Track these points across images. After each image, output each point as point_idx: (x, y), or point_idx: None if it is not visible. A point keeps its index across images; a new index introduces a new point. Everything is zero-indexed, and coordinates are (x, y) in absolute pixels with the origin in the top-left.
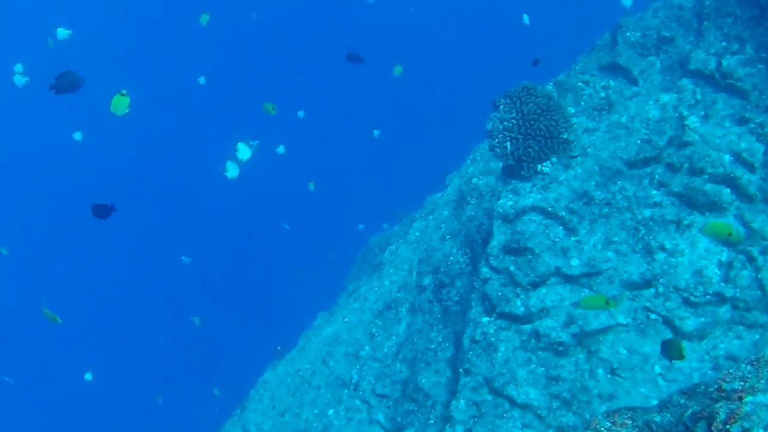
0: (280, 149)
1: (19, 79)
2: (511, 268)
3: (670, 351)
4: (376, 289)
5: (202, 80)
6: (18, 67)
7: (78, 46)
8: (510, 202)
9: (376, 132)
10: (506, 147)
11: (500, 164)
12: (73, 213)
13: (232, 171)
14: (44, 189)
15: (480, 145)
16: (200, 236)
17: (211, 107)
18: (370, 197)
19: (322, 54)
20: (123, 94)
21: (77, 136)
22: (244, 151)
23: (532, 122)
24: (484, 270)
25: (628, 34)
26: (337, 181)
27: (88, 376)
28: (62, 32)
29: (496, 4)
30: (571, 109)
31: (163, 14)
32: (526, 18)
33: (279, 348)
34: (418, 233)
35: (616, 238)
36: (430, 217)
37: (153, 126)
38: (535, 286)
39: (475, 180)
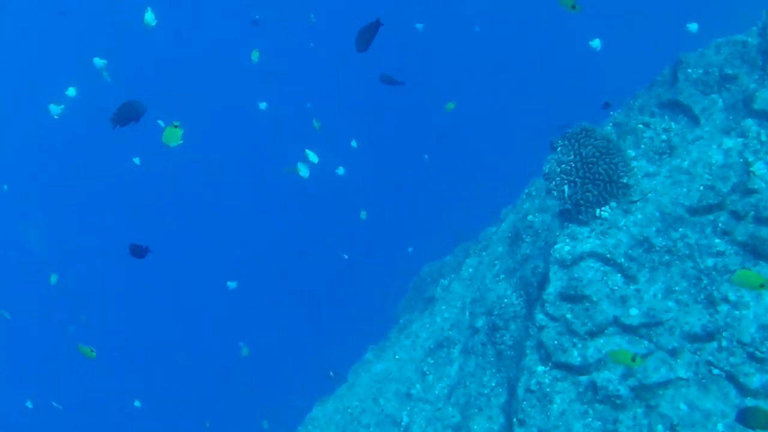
0: (340, 170)
1: (54, 109)
2: (568, 315)
3: (755, 420)
4: (427, 326)
5: (263, 105)
6: (71, 91)
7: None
8: (567, 247)
9: (426, 156)
10: (564, 190)
11: (556, 201)
12: (123, 237)
13: (304, 171)
14: (90, 213)
15: (536, 179)
16: (248, 262)
17: (270, 133)
18: (420, 221)
19: (375, 80)
20: (176, 126)
21: (136, 160)
22: (312, 156)
23: (590, 165)
24: (540, 317)
25: (689, 70)
26: (388, 204)
27: (136, 403)
28: (98, 62)
29: (553, 30)
30: (631, 152)
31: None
32: (597, 42)
33: (332, 374)
34: (471, 269)
35: (677, 288)
36: (484, 253)
37: (206, 151)
38: (592, 335)
39: (530, 217)
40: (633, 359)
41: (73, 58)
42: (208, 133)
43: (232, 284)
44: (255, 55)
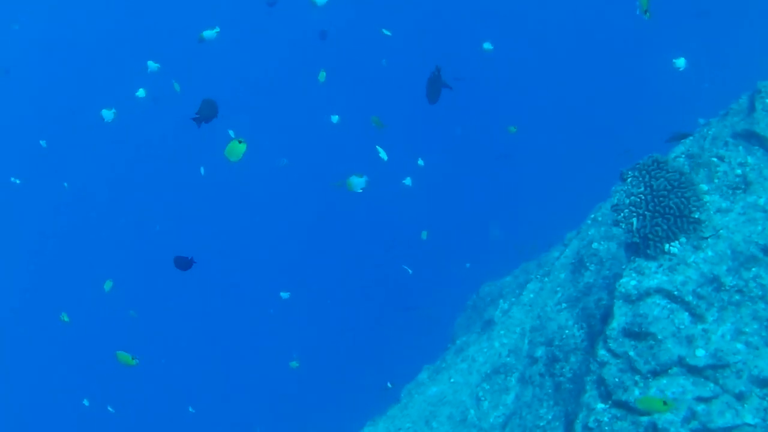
0: (407, 181)
1: (107, 114)
2: (631, 353)
3: None
4: (485, 350)
5: (335, 119)
6: (140, 92)
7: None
8: (633, 282)
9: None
10: (632, 223)
11: (624, 233)
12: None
13: (357, 184)
14: (149, 217)
15: (601, 204)
16: (298, 273)
17: (333, 146)
18: (479, 237)
19: (442, 99)
20: (240, 142)
21: (201, 170)
22: (383, 153)
23: (661, 199)
24: (602, 353)
25: (767, 100)
26: (447, 218)
27: (190, 409)
28: (152, 65)
29: (620, 51)
30: (704, 186)
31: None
32: (681, 62)
33: (389, 385)
34: (532, 295)
35: (747, 329)
36: (546, 279)
37: (268, 162)
38: (655, 374)
39: (595, 245)
40: (665, 403)
41: (140, 63)
42: (273, 144)
43: (284, 294)
44: (322, 76)
